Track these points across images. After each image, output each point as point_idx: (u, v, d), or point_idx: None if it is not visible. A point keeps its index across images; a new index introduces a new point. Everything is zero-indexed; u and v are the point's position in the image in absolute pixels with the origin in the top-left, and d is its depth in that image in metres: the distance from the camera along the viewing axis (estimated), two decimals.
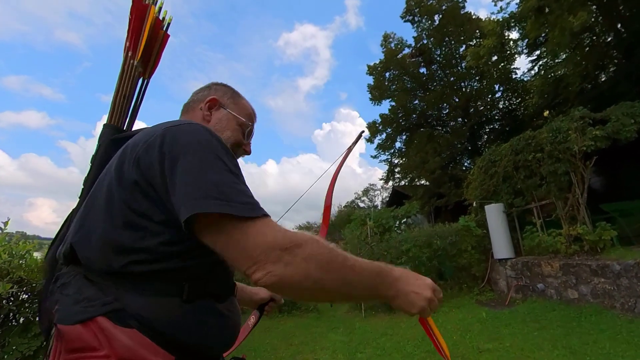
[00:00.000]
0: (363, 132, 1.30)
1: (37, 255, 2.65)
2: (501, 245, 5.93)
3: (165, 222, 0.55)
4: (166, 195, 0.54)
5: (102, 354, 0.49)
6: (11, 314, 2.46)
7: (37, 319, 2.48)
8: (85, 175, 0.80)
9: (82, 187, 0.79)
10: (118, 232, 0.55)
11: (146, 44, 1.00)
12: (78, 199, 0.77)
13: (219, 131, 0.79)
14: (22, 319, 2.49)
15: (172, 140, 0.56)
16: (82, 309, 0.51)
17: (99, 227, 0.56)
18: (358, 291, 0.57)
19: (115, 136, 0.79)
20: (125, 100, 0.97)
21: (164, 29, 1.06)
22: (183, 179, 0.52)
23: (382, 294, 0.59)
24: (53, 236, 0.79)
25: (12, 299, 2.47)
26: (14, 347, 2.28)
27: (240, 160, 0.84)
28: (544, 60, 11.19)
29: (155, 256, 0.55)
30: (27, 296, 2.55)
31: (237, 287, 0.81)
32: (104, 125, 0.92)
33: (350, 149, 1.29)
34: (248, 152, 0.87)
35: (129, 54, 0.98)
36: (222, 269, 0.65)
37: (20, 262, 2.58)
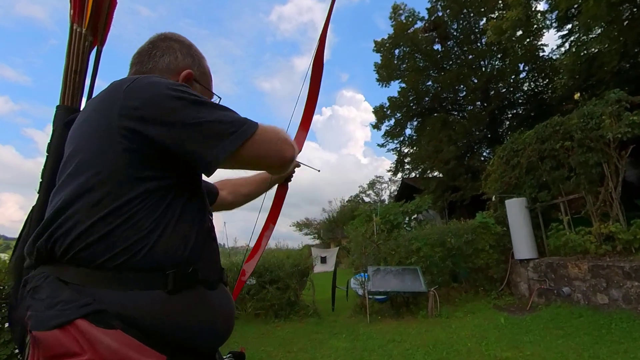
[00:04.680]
0: None
1: (3, 256, 2.65)
2: (523, 245, 5.93)
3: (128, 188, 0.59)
4: (156, 151, 0.60)
5: (85, 359, 0.49)
6: None
7: (8, 326, 2.50)
8: (43, 166, 0.80)
9: (40, 180, 0.79)
10: (83, 221, 0.56)
11: (93, 6, 0.94)
12: (37, 194, 0.78)
13: None
14: None
15: (145, 98, 0.60)
16: (58, 312, 0.52)
17: (66, 221, 0.57)
18: None
19: (70, 117, 0.78)
20: (77, 76, 0.93)
21: None
22: (187, 130, 0.60)
23: None
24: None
25: None
26: None
27: None
28: (576, 36, 10.94)
29: (128, 239, 0.57)
30: None
31: (240, 193, 1.12)
32: (57, 107, 0.89)
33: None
34: None
35: (74, 22, 0.93)
36: (208, 247, 0.66)
37: None
